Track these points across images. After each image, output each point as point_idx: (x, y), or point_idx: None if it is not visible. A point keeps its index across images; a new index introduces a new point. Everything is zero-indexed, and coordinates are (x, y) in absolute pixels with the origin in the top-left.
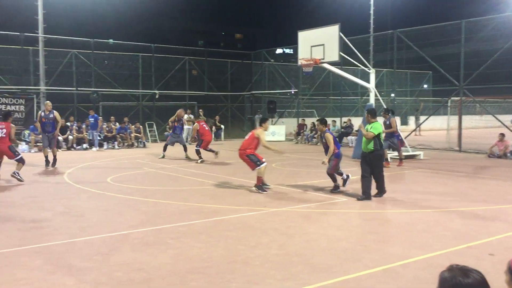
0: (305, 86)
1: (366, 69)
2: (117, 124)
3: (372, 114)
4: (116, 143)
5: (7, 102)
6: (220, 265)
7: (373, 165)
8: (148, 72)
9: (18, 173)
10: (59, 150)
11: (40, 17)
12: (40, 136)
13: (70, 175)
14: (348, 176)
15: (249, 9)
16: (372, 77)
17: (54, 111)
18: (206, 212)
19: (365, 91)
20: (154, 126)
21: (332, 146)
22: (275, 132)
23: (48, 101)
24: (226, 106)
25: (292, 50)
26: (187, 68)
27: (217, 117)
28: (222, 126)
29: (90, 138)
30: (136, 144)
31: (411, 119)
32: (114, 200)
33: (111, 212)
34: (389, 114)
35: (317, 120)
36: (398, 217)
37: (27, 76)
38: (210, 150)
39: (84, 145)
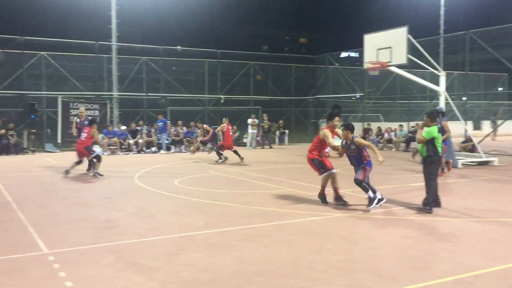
0: (371, 90)
1: (435, 71)
2: (184, 128)
3: (431, 117)
4: (183, 146)
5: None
6: (283, 269)
7: (424, 171)
8: (214, 78)
9: (97, 172)
10: (129, 153)
11: (114, 26)
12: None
13: (140, 177)
14: (375, 198)
15: (313, 13)
16: (442, 80)
17: (89, 117)
18: (270, 216)
19: (434, 95)
20: None
21: (370, 145)
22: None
23: (82, 108)
24: (290, 111)
25: (357, 53)
26: (252, 73)
27: (281, 122)
28: (286, 131)
29: (159, 141)
30: (202, 147)
31: (485, 124)
32: (182, 202)
33: (178, 213)
34: (440, 117)
35: (342, 126)
36: (468, 226)
37: (101, 82)
38: (219, 153)
39: (153, 149)
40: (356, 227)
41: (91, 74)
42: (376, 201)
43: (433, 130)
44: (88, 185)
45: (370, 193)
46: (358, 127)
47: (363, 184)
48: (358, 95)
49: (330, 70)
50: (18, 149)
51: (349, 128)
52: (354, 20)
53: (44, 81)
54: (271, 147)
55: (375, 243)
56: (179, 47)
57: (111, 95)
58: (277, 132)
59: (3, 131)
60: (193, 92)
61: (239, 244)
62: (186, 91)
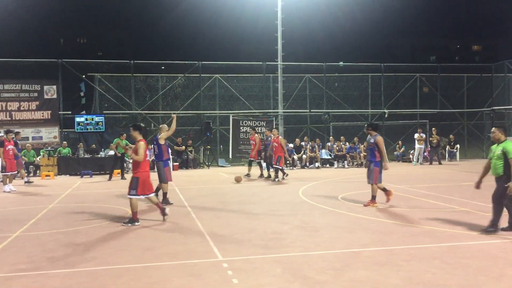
0: None
1: None
2: (347, 143)
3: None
4: (346, 162)
5: (251, 124)
6: None
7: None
8: (377, 92)
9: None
10: (293, 168)
11: (279, 47)
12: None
13: (304, 192)
14: None
15: (488, 18)
16: None
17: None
18: (440, 236)
19: None
20: None
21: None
22: None
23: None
24: (462, 124)
25: None
26: (418, 86)
27: (451, 136)
28: (457, 146)
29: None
30: (365, 163)
31: None
32: (345, 217)
33: (342, 229)
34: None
35: None
36: None
37: (268, 100)
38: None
39: (316, 164)
40: None
41: (259, 93)
42: None
43: (508, 144)
44: (257, 199)
45: None
46: None
47: None
48: None
49: (509, 78)
50: (195, 164)
51: None
52: None
53: (217, 101)
54: (440, 163)
55: None
56: (341, 63)
57: (277, 112)
58: (447, 147)
59: (183, 147)
60: (356, 107)
61: (407, 264)
62: (349, 107)
